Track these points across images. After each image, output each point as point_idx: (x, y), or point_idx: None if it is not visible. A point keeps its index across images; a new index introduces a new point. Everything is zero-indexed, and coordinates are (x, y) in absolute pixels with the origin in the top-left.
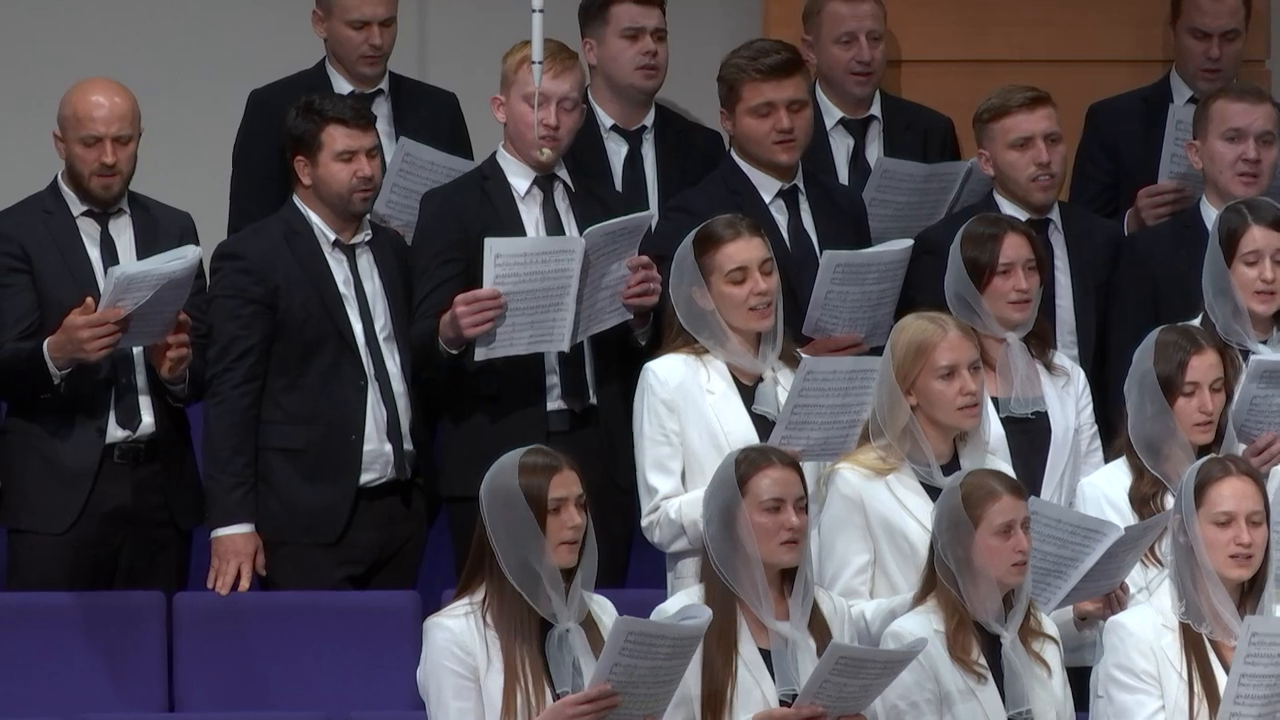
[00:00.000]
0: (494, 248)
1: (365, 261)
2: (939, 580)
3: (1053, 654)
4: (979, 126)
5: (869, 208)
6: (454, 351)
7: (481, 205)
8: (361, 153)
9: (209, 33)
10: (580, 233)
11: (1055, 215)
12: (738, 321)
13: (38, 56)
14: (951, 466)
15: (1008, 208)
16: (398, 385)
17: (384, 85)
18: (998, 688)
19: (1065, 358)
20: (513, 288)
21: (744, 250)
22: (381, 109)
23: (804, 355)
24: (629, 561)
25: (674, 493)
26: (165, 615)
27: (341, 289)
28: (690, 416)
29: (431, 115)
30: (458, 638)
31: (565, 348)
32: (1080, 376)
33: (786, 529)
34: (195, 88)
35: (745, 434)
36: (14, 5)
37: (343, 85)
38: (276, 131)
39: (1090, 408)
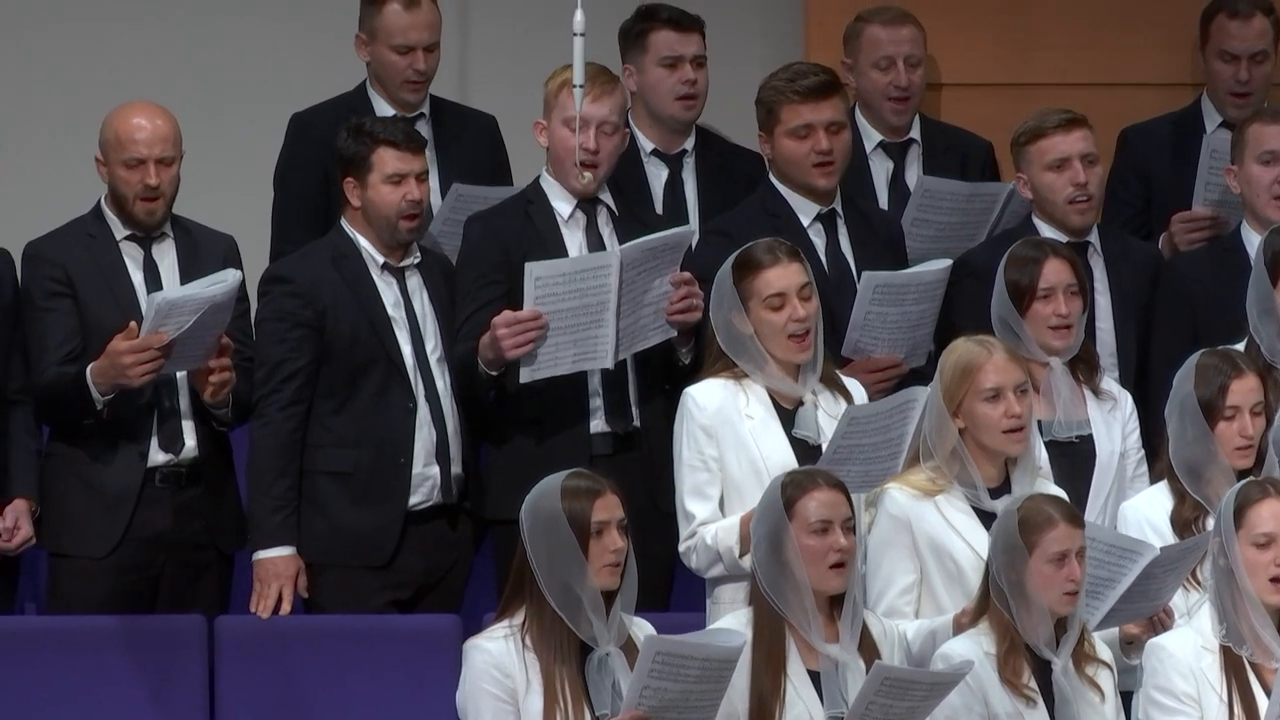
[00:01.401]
0: (534, 271)
1: (414, 283)
2: (992, 603)
3: (1106, 679)
4: (1016, 150)
5: (911, 228)
6: (494, 373)
7: (525, 228)
8: (411, 176)
9: (250, 55)
10: None
11: (1094, 238)
12: (776, 349)
13: (80, 80)
14: (1002, 489)
15: (1046, 230)
16: (447, 407)
17: (425, 109)
18: (1048, 712)
19: (1113, 382)
20: (552, 307)
21: (783, 276)
22: (422, 132)
23: (848, 393)
24: (671, 585)
25: (711, 519)
26: (206, 639)
27: (390, 311)
28: (729, 442)
29: (472, 138)
30: (497, 660)
31: (610, 364)
32: (1128, 401)
33: (835, 551)
34: (238, 110)
35: (784, 459)
36: (57, 29)
37: (384, 108)
38: (318, 154)
39: (1137, 433)
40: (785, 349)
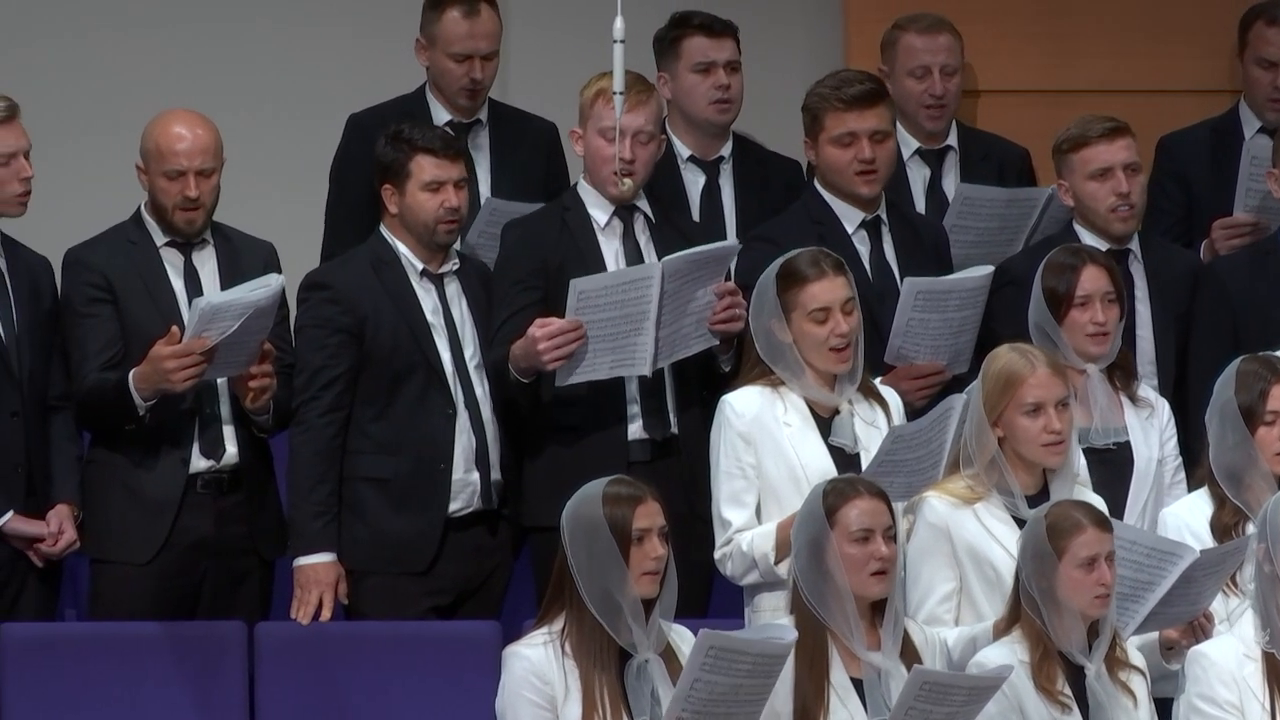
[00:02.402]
0: (578, 286)
1: (453, 290)
2: (1024, 610)
3: (1139, 684)
4: (1058, 157)
5: (950, 234)
6: (525, 380)
7: (561, 236)
8: (449, 184)
9: (295, 61)
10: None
11: (1135, 245)
12: (816, 360)
13: (120, 85)
14: (1040, 498)
15: (1087, 238)
16: (486, 414)
17: (482, 115)
18: (1083, 718)
19: (1150, 389)
20: (592, 316)
21: (827, 291)
22: (480, 138)
23: (884, 402)
24: (710, 592)
25: (747, 526)
26: (247, 645)
27: (430, 318)
28: (767, 449)
29: (530, 145)
30: (536, 667)
31: (647, 372)
32: (1165, 408)
33: (876, 559)
34: (280, 116)
35: (822, 466)
36: (97, 35)
37: (441, 113)
38: (371, 155)
39: (1175, 439)
40: (825, 361)
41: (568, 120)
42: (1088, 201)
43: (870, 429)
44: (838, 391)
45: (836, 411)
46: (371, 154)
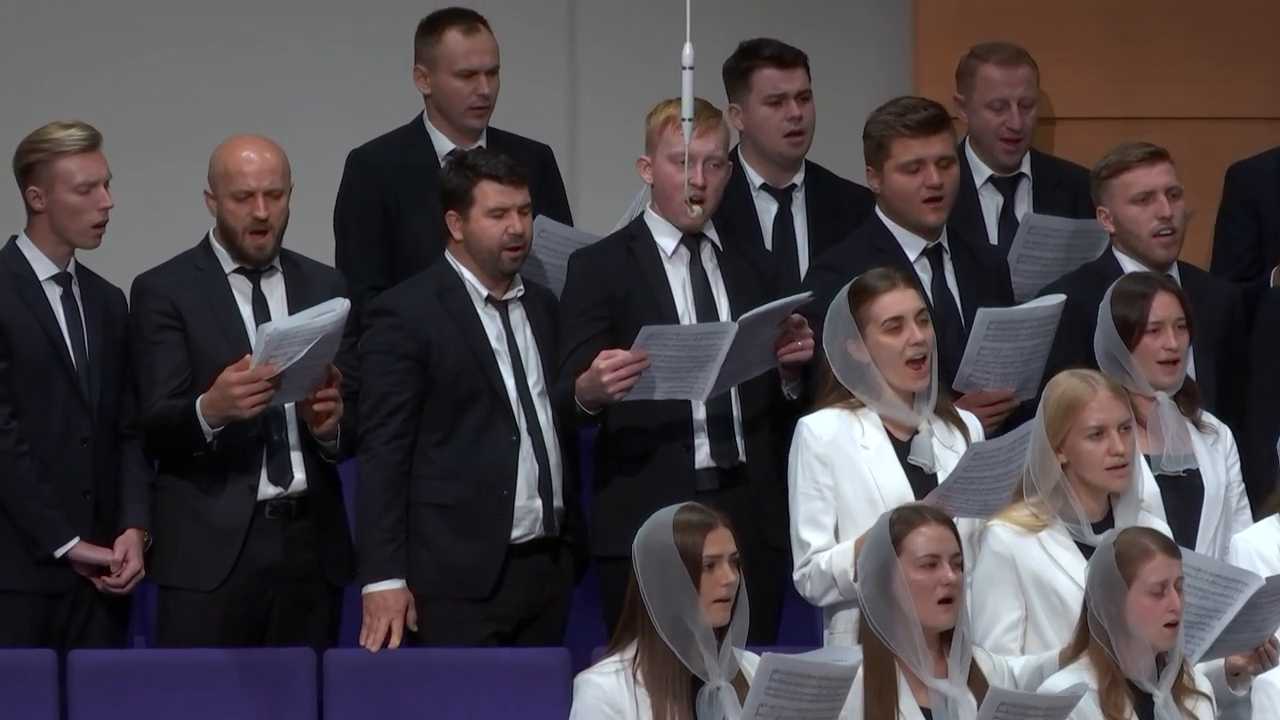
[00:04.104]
0: (648, 331)
1: (518, 317)
2: (1092, 638)
3: (1205, 711)
4: (1097, 183)
5: (1017, 264)
6: (591, 413)
7: (628, 265)
8: (513, 210)
9: (365, 87)
10: (728, 291)
11: (1174, 272)
12: (894, 376)
13: (188, 114)
14: (1104, 524)
15: (1128, 264)
16: (550, 441)
17: (482, 141)
18: None
19: (1212, 415)
20: (658, 353)
21: (900, 301)
22: None
23: (964, 425)
24: (779, 618)
25: (826, 547)
26: (316, 672)
27: (494, 344)
28: (844, 471)
29: (527, 168)
30: (608, 695)
31: (702, 400)
32: (1228, 434)
33: (942, 585)
34: (348, 143)
35: (899, 489)
36: (172, 62)
37: (443, 141)
38: (376, 189)
39: (1238, 465)
40: (902, 376)
41: (636, 146)
42: (1129, 226)
43: (948, 452)
44: (916, 409)
45: (915, 432)
46: (373, 188)
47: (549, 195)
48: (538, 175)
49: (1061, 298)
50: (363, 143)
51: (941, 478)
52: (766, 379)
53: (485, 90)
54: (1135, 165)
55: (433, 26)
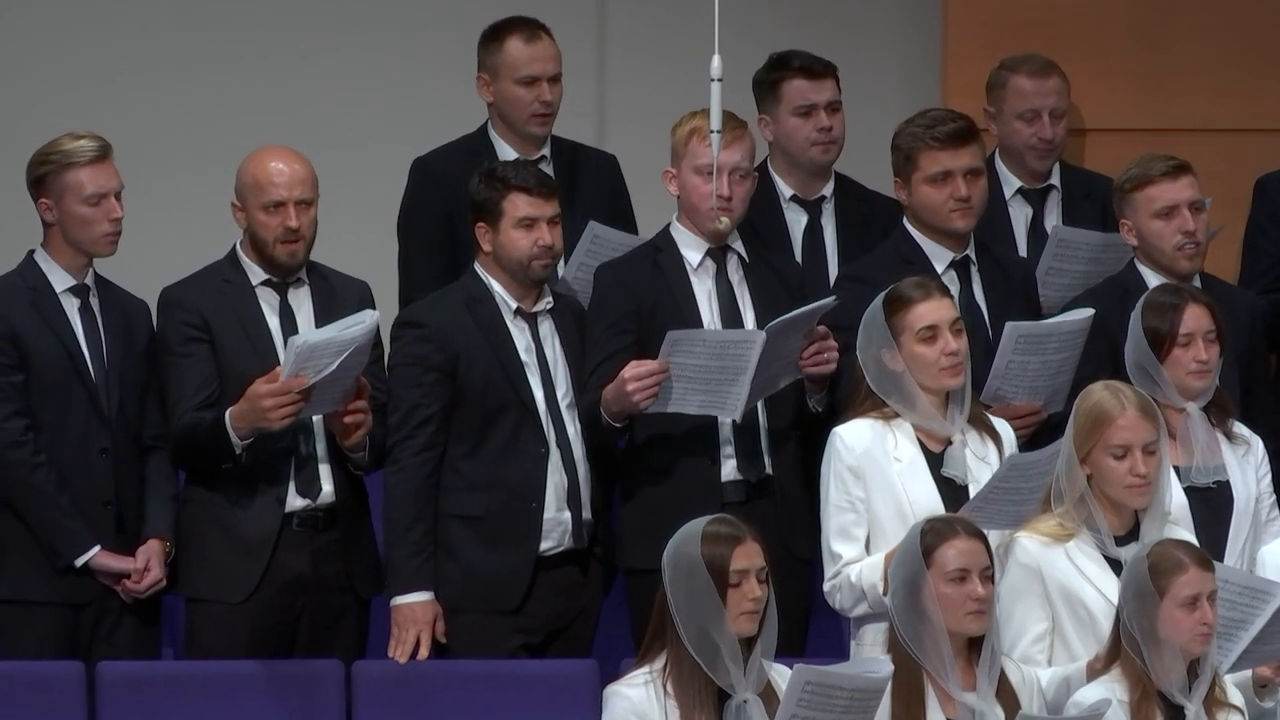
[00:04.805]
0: (673, 336)
1: (546, 329)
2: (1124, 650)
3: None
4: (1120, 196)
5: (1046, 276)
6: (618, 425)
7: (654, 277)
8: (543, 221)
9: (388, 99)
10: (755, 302)
11: (1197, 284)
12: (929, 381)
13: (212, 126)
14: (1129, 537)
15: (1151, 277)
16: (578, 453)
17: (546, 150)
18: None
19: (1244, 426)
20: (685, 360)
21: (935, 310)
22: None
23: (996, 435)
24: (807, 631)
25: (857, 559)
26: (344, 684)
27: (523, 356)
28: (876, 483)
29: (594, 178)
30: (636, 706)
31: (737, 417)
32: (1259, 445)
33: (972, 599)
34: (372, 153)
35: (930, 502)
36: (186, 75)
37: (506, 150)
38: (440, 197)
39: (1269, 476)
40: (937, 377)
41: (663, 158)
42: (1152, 240)
43: (981, 463)
44: (950, 419)
45: (948, 443)
46: (437, 196)
47: (617, 204)
48: (607, 184)
49: (1090, 311)
50: (402, 151)
51: (974, 490)
52: (792, 392)
53: (547, 97)
54: (1158, 179)
55: (495, 35)
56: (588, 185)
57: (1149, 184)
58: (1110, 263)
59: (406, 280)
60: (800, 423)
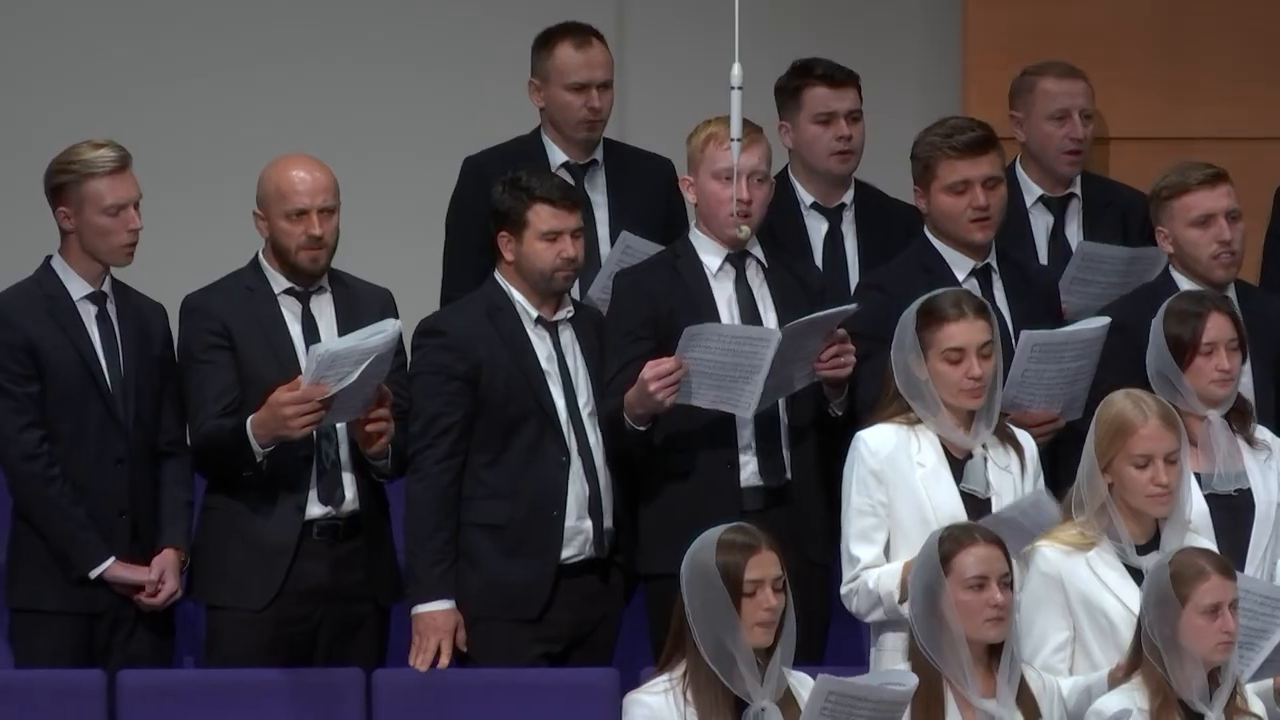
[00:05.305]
0: (690, 330)
1: (568, 337)
2: (1145, 658)
3: None
4: (1156, 204)
5: (1070, 286)
6: (641, 428)
7: (673, 284)
8: (566, 233)
9: (408, 106)
10: (776, 307)
11: (1231, 291)
12: (949, 399)
13: (234, 132)
14: (1149, 546)
15: (1186, 285)
16: (599, 462)
17: (598, 155)
18: None
19: (1266, 431)
20: (701, 355)
21: (965, 332)
22: (598, 178)
23: (1020, 447)
24: (826, 638)
25: (875, 563)
26: (364, 692)
27: (544, 365)
28: (898, 489)
29: (646, 183)
30: (655, 714)
31: (749, 415)
32: None
33: (991, 606)
34: (393, 161)
35: (953, 509)
36: (212, 80)
37: (557, 154)
38: (487, 197)
39: None
40: (958, 398)
41: (681, 165)
42: (1189, 249)
43: (1004, 474)
44: (973, 434)
45: (970, 454)
46: (485, 196)
47: (671, 209)
48: (660, 189)
49: (1106, 320)
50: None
51: (995, 502)
52: (813, 397)
53: (596, 103)
54: (1196, 188)
55: (546, 41)
56: (640, 190)
57: (1186, 192)
58: (1138, 274)
59: (448, 275)
60: (821, 427)
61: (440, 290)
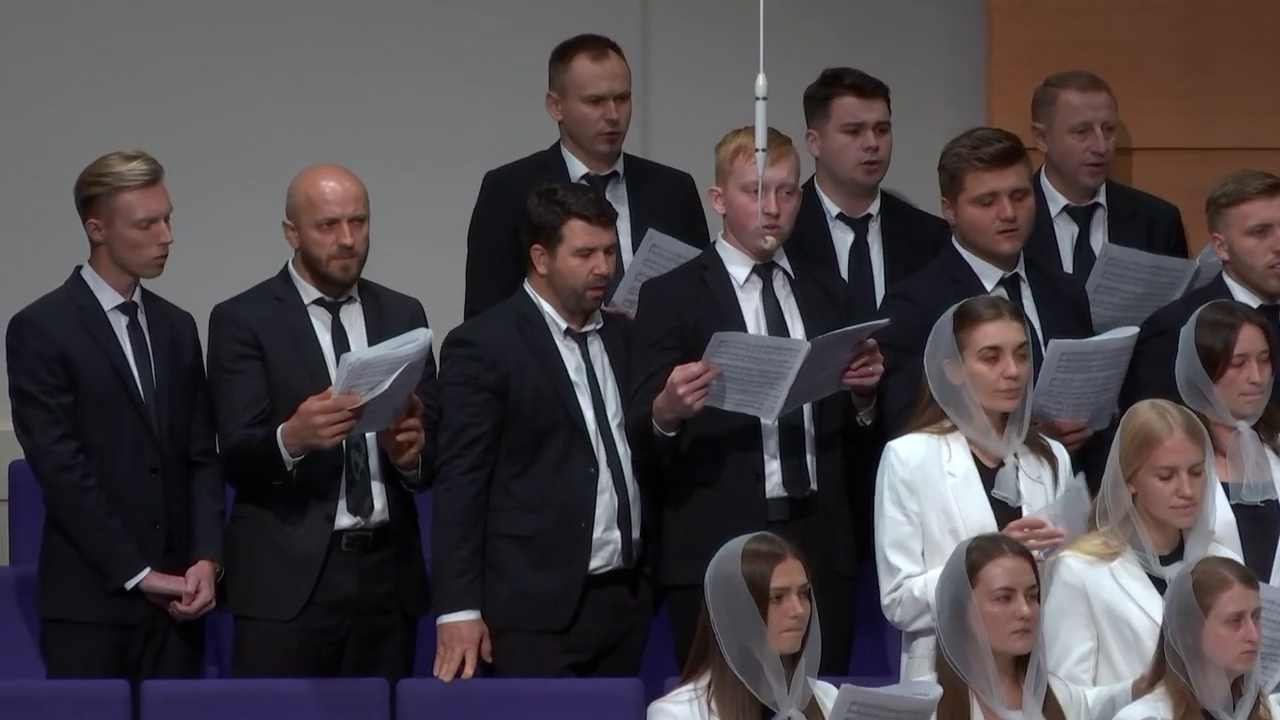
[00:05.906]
0: (719, 337)
1: (596, 348)
2: (1168, 668)
3: None
4: (1213, 210)
5: (1095, 294)
6: (670, 434)
7: (699, 294)
8: (600, 250)
9: (435, 117)
10: (802, 317)
11: None
12: (985, 400)
13: (263, 142)
14: (1173, 556)
15: (1240, 293)
16: (628, 473)
17: (618, 167)
18: None
19: None
20: (727, 361)
21: (1001, 332)
22: (618, 191)
23: (1052, 456)
24: (851, 648)
25: (916, 572)
26: (390, 702)
27: (573, 376)
28: (929, 498)
29: (666, 196)
30: None
31: (772, 419)
32: None
33: (1018, 618)
34: (421, 172)
35: (982, 519)
36: (241, 90)
37: (578, 167)
38: (511, 212)
39: None
40: (993, 398)
41: (707, 176)
42: (1244, 258)
43: (1035, 485)
44: (1005, 440)
45: (1002, 463)
46: (508, 211)
47: (691, 222)
48: (680, 203)
49: (1134, 330)
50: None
51: (1025, 512)
52: (839, 408)
53: (614, 116)
54: (1254, 197)
55: (563, 53)
56: (660, 203)
57: (1244, 201)
58: (1162, 285)
59: (472, 290)
60: (848, 437)
61: (464, 306)
